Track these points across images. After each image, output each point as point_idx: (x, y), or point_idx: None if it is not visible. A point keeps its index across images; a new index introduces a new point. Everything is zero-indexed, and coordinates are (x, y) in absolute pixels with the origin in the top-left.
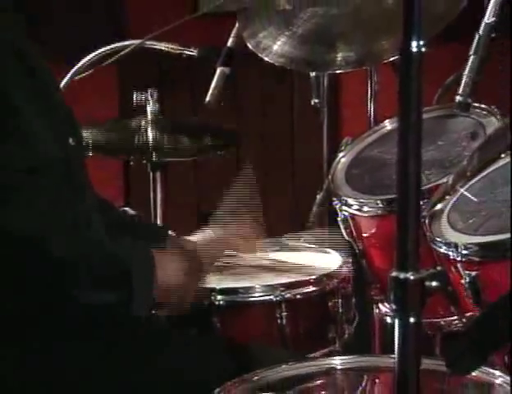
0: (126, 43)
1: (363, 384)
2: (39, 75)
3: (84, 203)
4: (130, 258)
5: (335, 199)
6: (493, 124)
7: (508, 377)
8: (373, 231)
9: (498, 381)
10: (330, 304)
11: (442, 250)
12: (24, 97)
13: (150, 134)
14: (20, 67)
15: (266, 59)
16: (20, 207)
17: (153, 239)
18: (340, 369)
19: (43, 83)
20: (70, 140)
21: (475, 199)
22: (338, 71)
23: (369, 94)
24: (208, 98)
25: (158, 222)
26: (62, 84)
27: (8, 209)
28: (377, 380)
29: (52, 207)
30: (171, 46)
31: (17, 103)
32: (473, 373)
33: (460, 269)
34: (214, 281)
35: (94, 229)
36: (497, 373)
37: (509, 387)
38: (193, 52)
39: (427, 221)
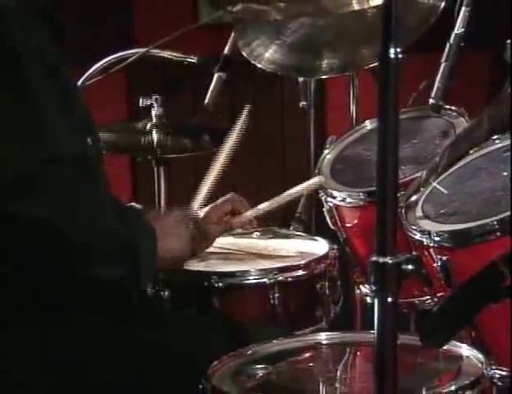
0: (133, 51)
1: (346, 357)
2: (61, 79)
3: (99, 194)
4: (137, 238)
5: (321, 191)
6: (462, 124)
7: (475, 350)
8: (355, 220)
9: (466, 353)
10: (317, 286)
11: (417, 237)
12: (47, 97)
13: (155, 134)
14: (45, 69)
15: (258, 65)
16: (39, 195)
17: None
18: (326, 344)
19: (65, 86)
20: (89, 140)
21: (446, 192)
22: (323, 77)
23: (351, 97)
24: (206, 101)
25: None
26: None
27: (28, 196)
28: (358, 353)
29: (69, 196)
30: (173, 54)
31: (41, 103)
32: (444, 347)
33: (433, 254)
34: (213, 266)
35: (108, 217)
36: (465, 346)
37: (475, 359)
38: (193, 59)
39: (403, 211)
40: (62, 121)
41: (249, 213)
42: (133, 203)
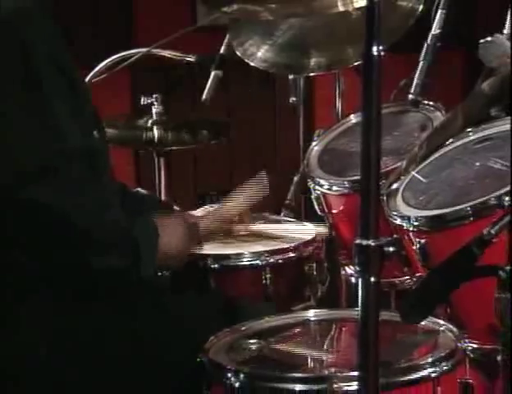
0: (135, 51)
1: (332, 332)
2: (71, 77)
3: (104, 186)
4: (140, 231)
5: (309, 180)
6: (439, 118)
7: (450, 325)
8: (341, 206)
9: (442, 328)
10: (306, 267)
11: (397, 222)
12: (58, 95)
13: (155, 130)
14: (55, 68)
15: (252, 64)
16: (51, 183)
17: (161, 212)
18: (314, 320)
19: (74, 84)
20: (95, 133)
21: (424, 180)
22: (312, 74)
23: (337, 93)
24: (204, 97)
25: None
26: None
27: (41, 185)
28: (343, 328)
29: (78, 186)
30: (173, 53)
31: (52, 100)
32: (422, 322)
33: (412, 237)
34: (210, 249)
35: (112, 208)
36: (441, 322)
37: (450, 333)
38: (191, 58)
39: (385, 198)
40: (72, 117)
41: (253, 226)
42: (138, 189)
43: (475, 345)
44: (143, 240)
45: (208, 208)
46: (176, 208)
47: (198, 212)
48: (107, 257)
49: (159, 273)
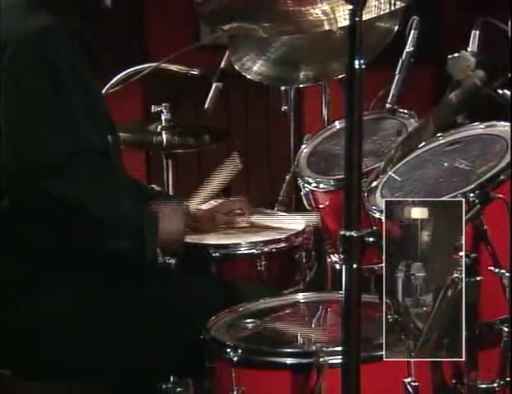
0: (147, 65)
1: (319, 313)
2: (89, 87)
3: (116, 183)
4: (146, 220)
5: (299, 178)
6: (412, 124)
7: None
8: (327, 202)
9: None
10: (296, 255)
11: (376, 216)
12: (77, 103)
13: (164, 135)
14: (76, 79)
15: (248, 77)
16: (68, 180)
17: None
18: (303, 302)
19: (91, 93)
20: (109, 137)
21: (399, 179)
22: (301, 86)
23: (324, 102)
24: (206, 106)
25: None
26: None
27: (59, 181)
28: (329, 309)
29: (91, 182)
30: (179, 67)
31: (72, 107)
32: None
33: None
34: (211, 239)
35: (122, 202)
36: None
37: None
38: (195, 71)
39: (365, 194)
40: (90, 120)
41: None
42: (153, 185)
43: None
44: (147, 228)
45: (213, 202)
46: (186, 203)
47: (206, 205)
48: (117, 241)
49: (165, 260)
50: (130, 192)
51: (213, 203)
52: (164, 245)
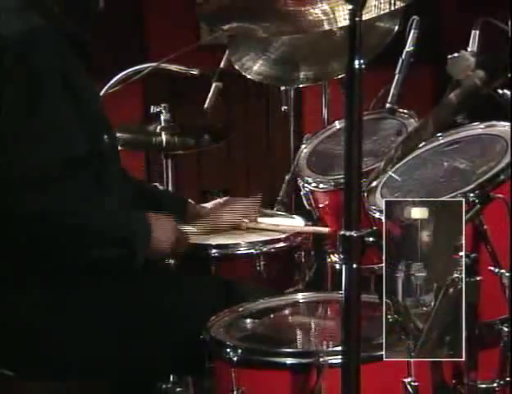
0: (146, 65)
1: (319, 312)
2: (77, 90)
3: (112, 191)
4: (137, 231)
5: (299, 178)
6: (412, 124)
7: None
8: (327, 202)
9: None
10: (295, 255)
11: (376, 215)
12: (62, 108)
13: (164, 135)
14: (61, 82)
15: (248, 77)
16: (53, 191)
17: (177, 205)
18: (302, 302)
19: (80, 96)
20: (105, 137)
21: (399, 179)
22: (301, 86)
23: (323, 102)
24: (206, 105)
25: None
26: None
27: (45, 194)
28: (328, 309)
29: (82, 193)
30: (179, 67)
31: (59, 114)
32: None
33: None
34: (211, 239)
35: (116, 210)
36: None
37: None
38: (195, 71)
39: (365, 194)
40: (77, 128)
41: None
42: (156, 184)
43: None
44: (139, 238)
45: (217, 201)
46: (190, 201)
47: (209, 204)
48: (107, 250)
49: (165, 261)
50: (123, 199)
51: (216, 201)
52: (152, 256)
